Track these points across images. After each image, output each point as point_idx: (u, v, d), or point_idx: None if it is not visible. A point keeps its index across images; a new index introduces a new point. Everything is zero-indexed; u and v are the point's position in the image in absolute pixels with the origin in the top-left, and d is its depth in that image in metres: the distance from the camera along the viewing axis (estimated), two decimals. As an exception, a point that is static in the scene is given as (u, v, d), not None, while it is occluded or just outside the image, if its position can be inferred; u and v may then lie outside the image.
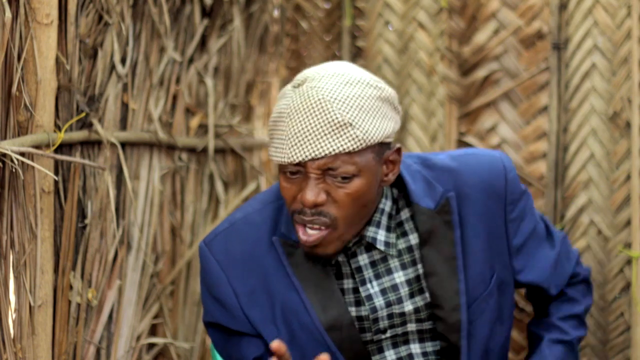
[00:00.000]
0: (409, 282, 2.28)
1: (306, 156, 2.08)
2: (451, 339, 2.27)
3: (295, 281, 2.24)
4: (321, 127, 2.07)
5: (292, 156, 2.09)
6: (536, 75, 3.13)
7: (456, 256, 2.25)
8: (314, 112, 2.08)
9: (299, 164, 2.11)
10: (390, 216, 2.26)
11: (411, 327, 2.30)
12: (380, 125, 2.10)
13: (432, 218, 2.25)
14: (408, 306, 2.28)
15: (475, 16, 3.19)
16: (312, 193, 2.10)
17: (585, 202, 3.07)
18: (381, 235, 2.24)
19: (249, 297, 2.26)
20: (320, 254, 2.18)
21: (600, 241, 3.05)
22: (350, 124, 2.07)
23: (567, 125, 3.09)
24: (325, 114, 2.07)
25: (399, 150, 2.19)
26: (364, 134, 2.08)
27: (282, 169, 2.14)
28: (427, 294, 2.27)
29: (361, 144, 2.08)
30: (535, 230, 2.42)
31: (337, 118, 2.07)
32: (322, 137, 2.07)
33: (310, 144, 2.07)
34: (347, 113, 2.07)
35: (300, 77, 2.15)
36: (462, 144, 3.22)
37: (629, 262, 3.00)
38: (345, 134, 2.07)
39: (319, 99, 2.08)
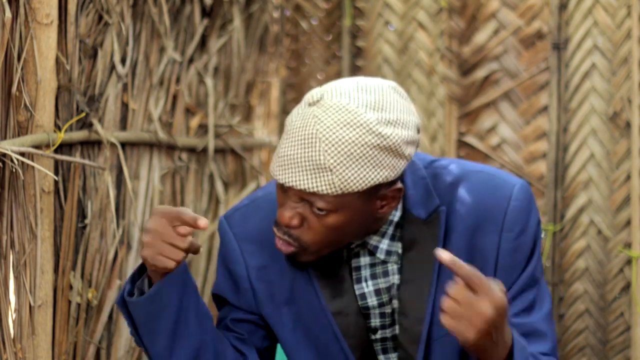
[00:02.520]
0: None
1: (285, 181, 2.07)
2: (409, 350, 2.24)
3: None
4: (304, 162, 2.04)
5: (277, 174, 2.08)
6: (536, 75, 3.13)
7: (433, 269, 2.21)
8: (304, 144, 2.05)
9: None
10: (397, 225, 2.24)
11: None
12: (366, 175, 2.05)
13: (420, 228, 2.21)
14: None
15: (475, 16, 3.19)
16: (287, 215, 2.10)
17: (585, 202, 3.07)
18: (384, 244, 2.23)
19: (259, 271, 2.28)
20: (293, 261, 2.20)
21: (600, 241, 3.05)
22: (330, 170, 2.03)
23: (567, 125, 3.09)
24: (311, 151, 2.04)
25: (399, 190, 2.13)
26: (342, 182, 2.04)
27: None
28: (395, 301, 2.26)
29: (337, 191, 2.04)
30: (528, 296, 2.25)
31: (319, 159, 2.03)
32: (301, 172, 2.05)
33: (291, 173, 2.06)
34: (331, 158, 2.03)
35: (317, 93, 2.10)
36: (462, 144, 3.22)
37: (629, 262, 3.00)
38: (322, 177, 2.04)
39: (312, 133, 2.04)
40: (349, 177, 2.03)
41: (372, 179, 2.05)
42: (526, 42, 3.15)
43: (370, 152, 2.04)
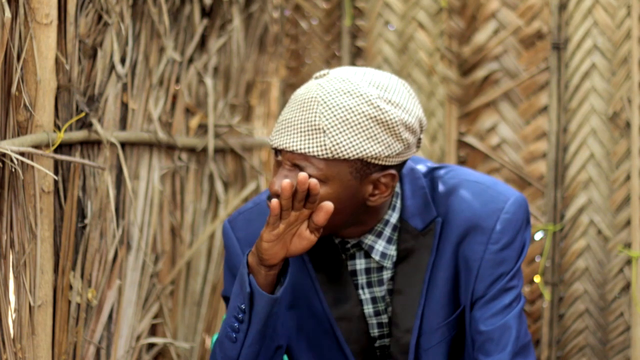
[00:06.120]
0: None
1: (279, 144, 2.10)
2: (399, 359, 2.26)
3: (310, 269, 2.26)
4: (300, 123, 2.08)
5: (273, 139, 2.12)
6: (536, 75, 3.13)
7: (424, 280, 2.22)
8: (303, 107, 2.09)
9: (278, 150, 2.13)
10: (395, 227, 2.24)
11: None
12: (358, 144, 2.07)
13: (415, 238, 2.22)
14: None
15: (475, 16, 3.19)
16: (277, 182, 2.11)
17: (585, 202, 3.06)
18: (379, 245, 2.23)
19: None
20: None
21: (600, 241, 3.05)
22: (323, 131, 2.06)
23: (567, 125, 3.09)
24: (308, 114, 2.08)
25: (393, 176, 2.14)
26: (334, 145, 2.06)
27: (275, 153, 2.17)
28: (390, 309, 2.27)
29: (328, 154, 2.06)
30: (505, 301, 2.24)
31: (314, 120, 2.07)
32: (296, 133, 2.08)
33: (286, 135, 2.09)
34: (326, 120, 2.06)
35: (325, 70, 2.17)
36: (462, 144, 3.22)
37: (629, 262, 3.00)
38: (315, 138, 2.07)
39: (312, 97, 2.09)
40: (341, 142, 2.05)
41: (364, 149, 2.07)
42: (526, 42, 3.14)
43: (366, 123, 2.06)
